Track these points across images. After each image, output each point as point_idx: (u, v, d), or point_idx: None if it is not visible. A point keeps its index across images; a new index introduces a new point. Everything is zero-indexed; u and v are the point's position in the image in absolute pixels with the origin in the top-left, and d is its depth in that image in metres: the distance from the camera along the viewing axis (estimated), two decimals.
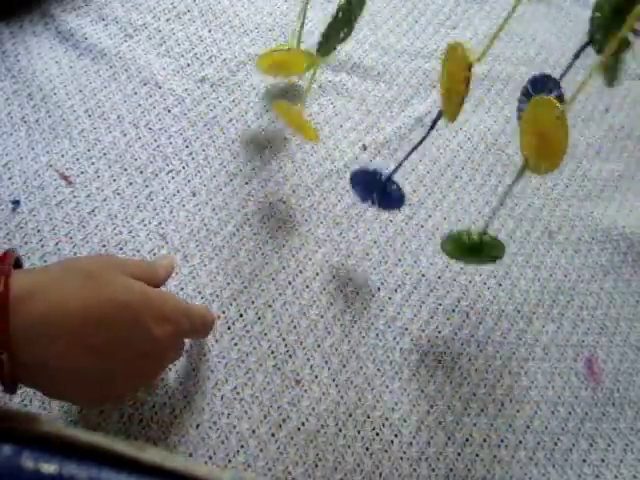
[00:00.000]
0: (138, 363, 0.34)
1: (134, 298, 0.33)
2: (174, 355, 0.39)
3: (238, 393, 0.44)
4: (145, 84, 0.57)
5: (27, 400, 0.41)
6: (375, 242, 0.52)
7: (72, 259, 0.39)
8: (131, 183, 0.51)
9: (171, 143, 0.54)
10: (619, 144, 0.63)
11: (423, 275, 0.52)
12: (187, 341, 0.45)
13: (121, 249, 0.48)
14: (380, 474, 0.43)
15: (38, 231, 0.47)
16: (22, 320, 0.28)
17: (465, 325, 0.50)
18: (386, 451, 0.43)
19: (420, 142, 0.43)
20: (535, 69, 0.66)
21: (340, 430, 0.44)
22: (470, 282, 0.52)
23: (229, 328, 0.46)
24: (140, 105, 0.56)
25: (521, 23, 0.70)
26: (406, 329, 0.49)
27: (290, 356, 0.46)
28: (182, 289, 0.47)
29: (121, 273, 0.34)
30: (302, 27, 0.54)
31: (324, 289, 0.49)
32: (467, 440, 0.45)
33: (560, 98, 0.38)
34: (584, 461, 0.45)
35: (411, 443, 0.44)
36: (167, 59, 0.59)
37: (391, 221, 0.54)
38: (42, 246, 0.47)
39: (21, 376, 0.30)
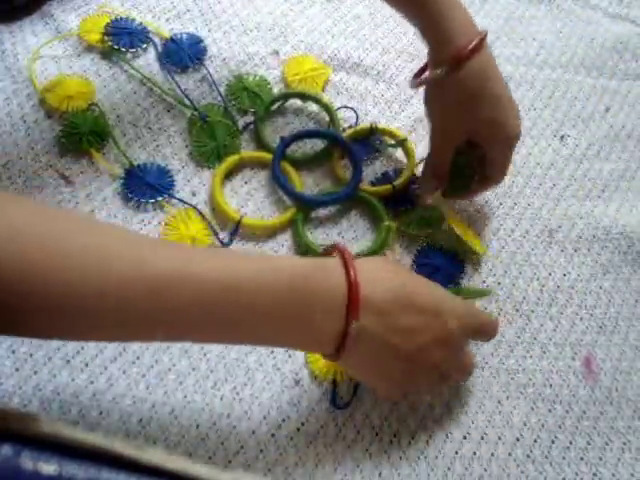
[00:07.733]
0: (437, 353, 0.39)
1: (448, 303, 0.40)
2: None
3: (238, 393, 0.44)
4: (145, 84, 0.57)
5: (27, 400, 0.41)
6: None
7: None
8: None
9: (171, 143, 0.54)
10: (619, 144, 0.63)
11: None
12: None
13: None
14: (380, 474, 0.43)
15: None
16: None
17: None
18: (385, 451, 0.44)
19: None
20: (535, 69, 0.66)
21: (340, 430, 0.44)
22: (469, 281, 0.52)
23: None
24: (140, 105, 0.56)
25: (521, 23, 0.70)
26: None
27: (290, 356, 0.46)
28: None
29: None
30: None
31: None
32: (465, 438, 0.45)
33: None
34: (581, 459, 0.45)
35: (410, 443, 0.44)
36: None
37: None
38: None
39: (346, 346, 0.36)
